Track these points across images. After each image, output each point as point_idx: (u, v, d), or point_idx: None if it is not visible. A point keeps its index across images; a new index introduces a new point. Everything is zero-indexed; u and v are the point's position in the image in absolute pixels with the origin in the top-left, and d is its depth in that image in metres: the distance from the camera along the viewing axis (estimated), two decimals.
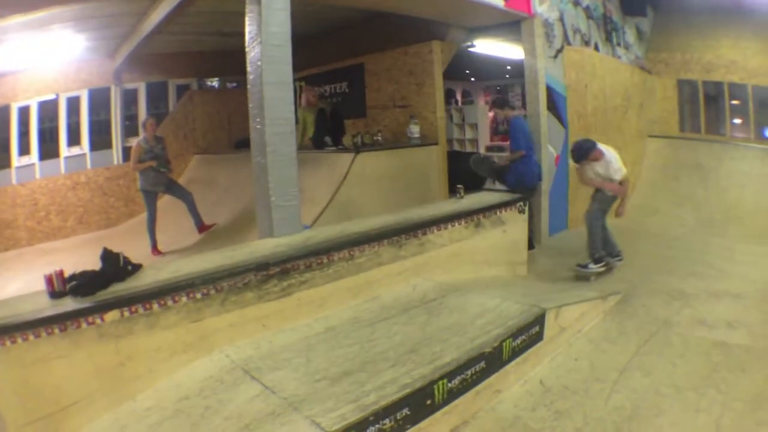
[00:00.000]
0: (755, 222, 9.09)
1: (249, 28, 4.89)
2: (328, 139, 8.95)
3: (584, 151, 6.66)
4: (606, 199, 6.79)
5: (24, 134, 10.27)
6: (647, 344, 4.86)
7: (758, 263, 7.35)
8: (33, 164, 10.44)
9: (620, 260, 7.09)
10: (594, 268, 6.78)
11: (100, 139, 11.31)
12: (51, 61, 10.26)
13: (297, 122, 6.26)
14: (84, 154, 11.08)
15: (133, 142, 8.80)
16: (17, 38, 8.32)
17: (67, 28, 8.56)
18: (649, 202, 10.75)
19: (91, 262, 3.77)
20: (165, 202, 9.26)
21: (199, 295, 3.77)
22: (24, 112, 10.20)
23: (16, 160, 10.23)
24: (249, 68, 4.93)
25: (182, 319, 3.71)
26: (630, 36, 12.34)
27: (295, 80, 5.09)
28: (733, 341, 4.89)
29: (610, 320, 5.41)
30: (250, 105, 4.94)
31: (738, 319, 5.42)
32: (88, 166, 11.15)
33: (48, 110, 10.52)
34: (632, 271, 7.13)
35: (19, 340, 3.05)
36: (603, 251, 6.83)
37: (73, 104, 10.85)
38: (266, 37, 4.73)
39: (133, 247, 4.08)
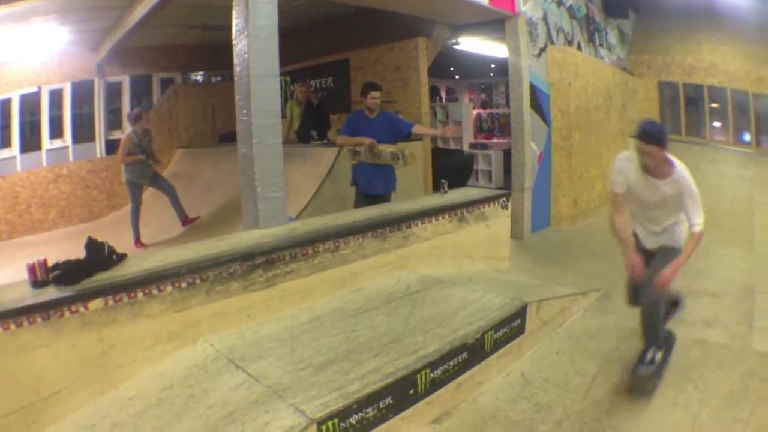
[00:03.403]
0: (732, 223, 9.21)
1: (236, 21, 4.88)
2: (314, 133, 8.97)
3: (660, 134, 4.12)
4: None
5: (5, 127, 10.17)
6: (627, 340, 4.93)
7: (735, 264, 7.47)
8: (14, 157, 10.34)
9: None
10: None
11: (83, 132, 11.23)
12: (33, 54, 10.17)
13: (284, 116, 6.26)
14: (66, 147, 10.99)
15: (116, 134, 8.75)
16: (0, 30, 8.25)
17: (49, 20, 8.49)
18: None
19: (72, 255, 3.73)
20: (148, 195, 9.22)
21: (184, 285, 3.77)
22: (5, 105, 10.10)
23: None
24: (236, 60, 4.92)
25: (167, 308, 3.70)
26: (612, 37, 12.46)
27: (280, 75, 5.09)
28: (710, 339, 5.00)
29: (590, 316, 5.49)
30: (237, 97, 4.93)
31: (716, 317, 5.55)
32: (71, 158, 11.07)
33: (30, 103, 10.42)
34: (613, 268, 7.17)
35: (0, 330, 3.01)
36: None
37: (56, 97, 10.77)
38: (253, 29, 4.72)
39: (115, 240, 4.06)
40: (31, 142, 10.57)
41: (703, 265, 7.37)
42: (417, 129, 6.72)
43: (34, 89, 10.45)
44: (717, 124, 12.64)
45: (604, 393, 4.04)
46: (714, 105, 12.59)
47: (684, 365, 4.45)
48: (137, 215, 8.46)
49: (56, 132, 10.87)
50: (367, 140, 6.20)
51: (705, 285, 6.54)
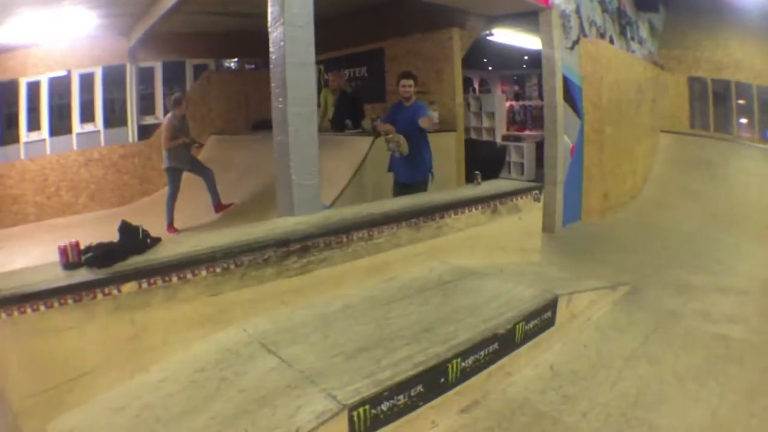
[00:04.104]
0: (759, 221, 9.17)
1: (271, 9, 4.88)
2: (348, 121, 9.01)
3: None
4: None
5: (33, 110, 10.23)
6: (653, 334, 4.95)
7: (762, 261, 7.50)
8: (43, 140, 10.42)
9: None
10: None
11: (115, 117, 11.29)
12: (62, 38, 10.18)
13: (318, 105, 6.29)
14: (98, 131, 11.05)
15: (149, 120, 8.77)
16: (28, 13, 8.27)
17: (79, 4, 8.53)
18: (660, 196, 10.81)
19: (102, 238, 3.75)
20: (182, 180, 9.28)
21: (219, 269, 3.80)
22: (33, 88, 10.17)
23: (25, 135, 10.20)
24: (271, 48, 4.93)
25: (201, 292, 3.74)
26: (643, 31, 12.35)
27: (315, 63, 5.09)
28: (733, 335, 5.02)
29: (618, 309, 5.48)
30: (273, 84, 4.94)
31: (739, 314, 5.57)
32: (102, 143, 11.12)
33: (59, 86, 10.48)
34: (642, 263, 7.20)
35: (29, 311, 3.04)
36: None
37: (86, 81, 10.81)
38: (289, 17, 4.72)
39: (147, 224, 4.09)
40: (60, 125, 10.62)
41: (731, 261, 7.38)
42: (420, 121, 6.37)
43: (63, 72, 10.51)
44: (744, 120, 12.53)
45: (630, 386, 4.05)
46: (741, 101, 12.48)
47: (707, 360, 4.49)
48: (174, 200, 8.51)
49: (87, 116, 10.91)
50: (386, 126, 6.36)
51: (732, 281, 6.59)
